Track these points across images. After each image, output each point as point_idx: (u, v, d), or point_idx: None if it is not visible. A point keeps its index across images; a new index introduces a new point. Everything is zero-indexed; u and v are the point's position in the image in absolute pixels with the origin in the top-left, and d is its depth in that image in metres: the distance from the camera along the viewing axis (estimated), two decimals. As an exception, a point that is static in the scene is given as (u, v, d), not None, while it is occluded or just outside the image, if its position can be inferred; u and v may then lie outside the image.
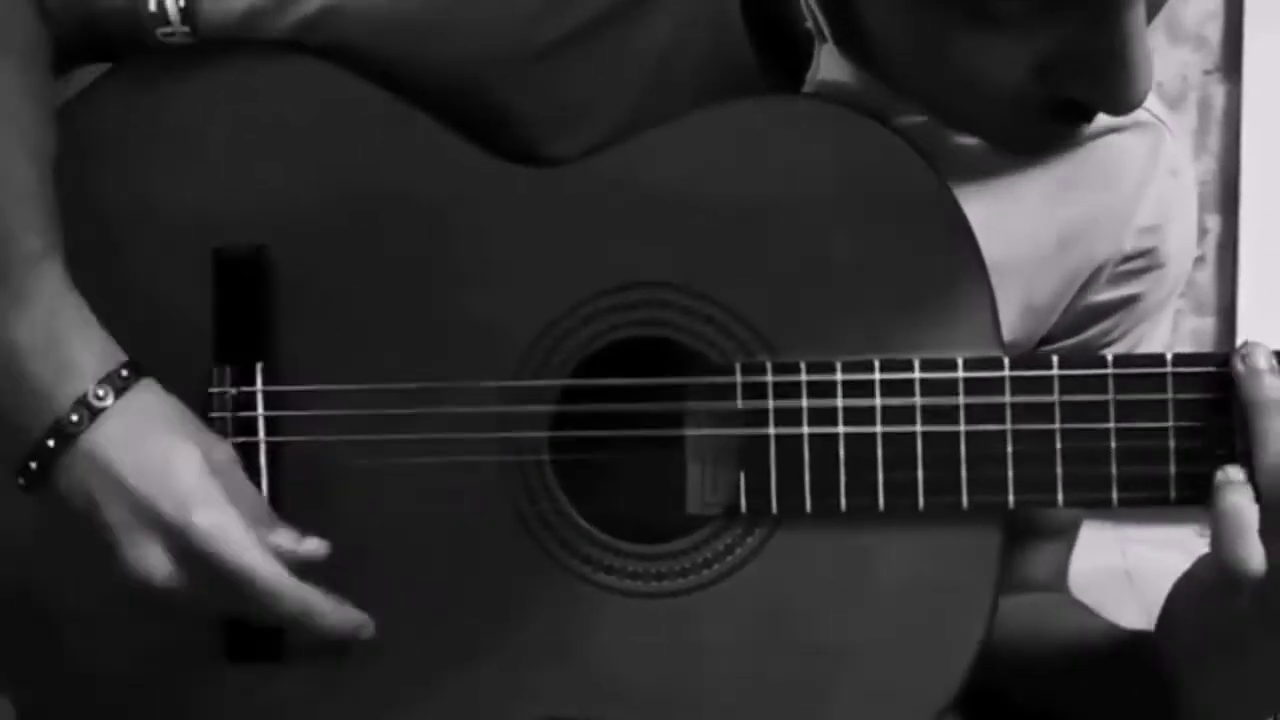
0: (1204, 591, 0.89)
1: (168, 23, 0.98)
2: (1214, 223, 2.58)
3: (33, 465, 0.91)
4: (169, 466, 0.91)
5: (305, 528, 0.94)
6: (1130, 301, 1.05)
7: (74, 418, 0.90)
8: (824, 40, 0.92)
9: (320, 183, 0.97)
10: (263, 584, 0.90)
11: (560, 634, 0.95)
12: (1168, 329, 1.09)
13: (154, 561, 0.90)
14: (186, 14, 0.97)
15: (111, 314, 0.95)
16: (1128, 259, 1.03)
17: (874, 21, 0.87)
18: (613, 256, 0.94)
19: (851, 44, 0.91)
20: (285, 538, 0.93)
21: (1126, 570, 2.09)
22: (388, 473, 0.96)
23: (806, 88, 0.95)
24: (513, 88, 0.97)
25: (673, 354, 0.95)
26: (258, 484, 0.97)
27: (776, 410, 0.92)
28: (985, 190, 0.98)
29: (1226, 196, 2.60)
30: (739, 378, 0.92)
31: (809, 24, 0.93)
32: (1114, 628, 1.03)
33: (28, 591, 1.01)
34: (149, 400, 0.93)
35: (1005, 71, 0.83)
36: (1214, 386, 0.89)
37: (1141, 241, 1.03)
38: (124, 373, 0.92)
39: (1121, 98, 0.83)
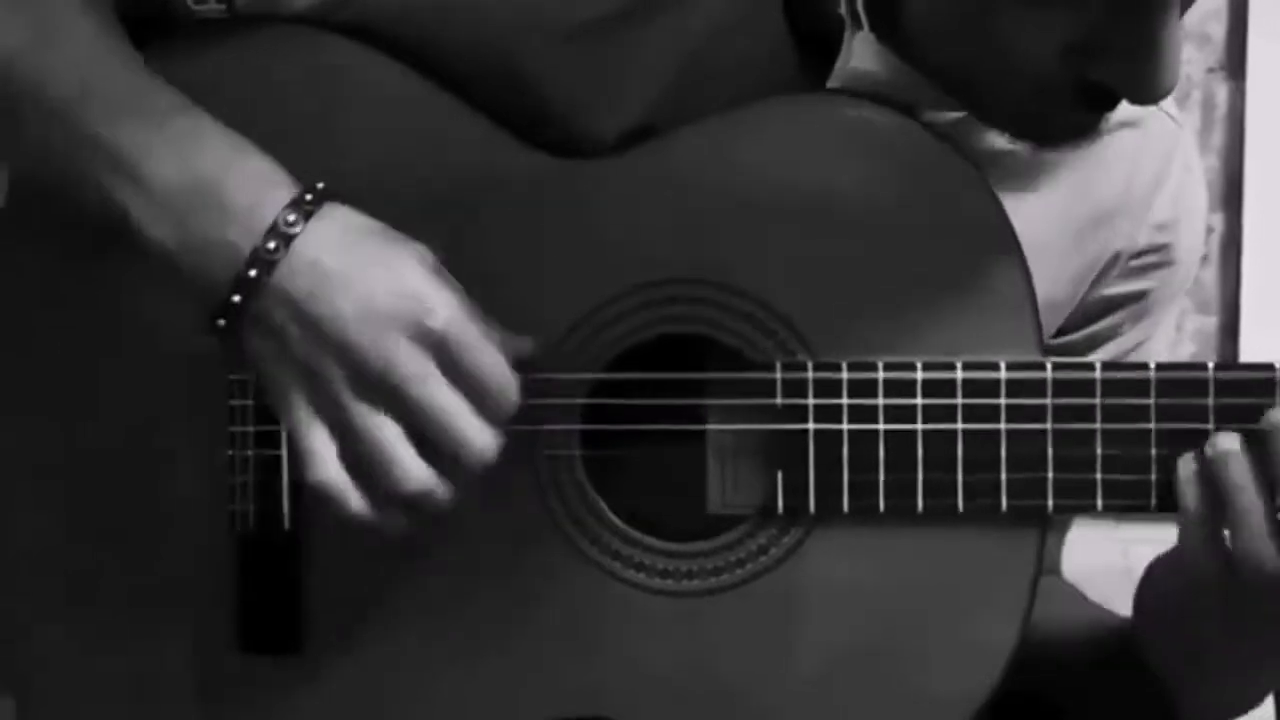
0: (1173, 589, 0.92)
1: None
2: (1217, 221, 2.58)
3: (252, 273, 0.86)
4: (394, 264, 0.87)
5: (330, 524, 0.91)
6: (1139, 297, 1.05)
7: (290, 217, 0.86)
8: (859, 27, 0.92)
9: (345, 168, 0.95)
10: (498, 376, 0.87)
11: (589, 631, 0.95)
12: (1171, 326, 1.10)
13: (402, 352, 0.85)
14: None
15: (129, 298, 0.94)
16: (1141, 254, 1.04)
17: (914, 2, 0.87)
18: (650, 251, 0.93)
19: (889, 28, 0.91)
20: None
21: (1128, 569, 2.08)
22: None
23: (834, 77, 0.94)
24: (543, 69, 0.96)
25: (709, 351, 0.94)
26: (278, 475, 0.96)
27: (815, 409, 0.91)
28: (1006, 187, 0.97)
29: (1230, 195, 2.61)
30: (779, 375, 0.92)
31: (843, 10, 0.92)
32: (1108, 618, 1.03)
33: (31, 585, 0.99)
34: (347, 215, 0.88)
35: (1037, 50, 0.84)
36: (1257, 393, 0.88)
37: (1156, 237, 1.04)
38: (309, 197, 0.87)
39: (1147, 86, 0.84)
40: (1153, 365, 0.90)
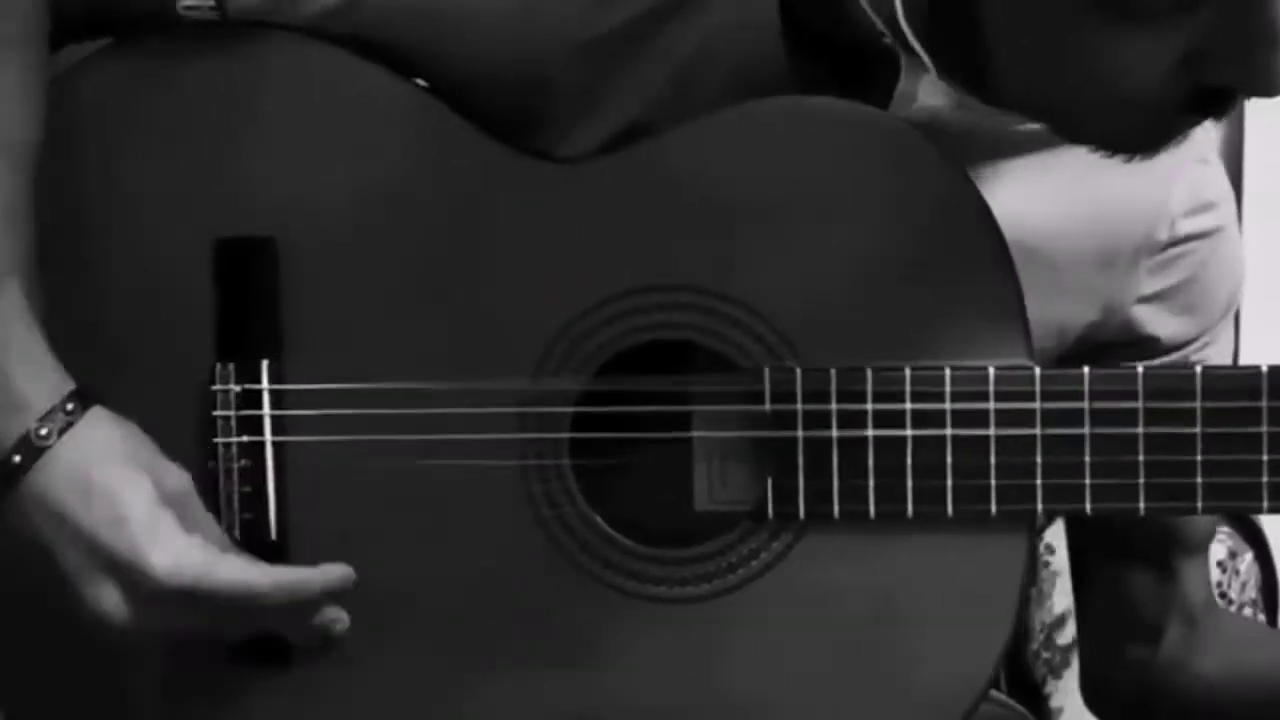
0: None
1: None
2: (1217, 218, 2.58)
3: (16, 459, 0.88)
4: (118, 504, 0.88)
5: (314, 533, 0.94)
6: (1174, 292, 1.05)
7: (16, 459, 0.87)
8: (920, 65, 0.91)
9: (332, 172, 0.96)
10: (243, 590, 0.89)
11: (582, 639, 0.95)
12: (1230, 335, 1.11)
13: (111, 604, 0.88)
14: None
15: (105, 306, 0.94)
16: (1165, 248, 1.04)
17: (1002, 40, 0.85)
18: (636, 256, 0.93)
19: (960, 68, 0.90)
20: None
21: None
22: (402, 475, 0.95)
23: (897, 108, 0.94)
24: (536, 84, 0.96)
25: (696, 357, 0.94)
26: (263, 486, 0.96)
27: (804, 415, 0.91)
28: (1014, 173, 0.98)
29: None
30: (767, 382, 0.92)
31: (890, 42, 0.91)
32: None
33: (19, 597, 0.97)
34: (95, 435, 0.89)
35: (1150, 68, 0.82)
36: (1243, 395, 0.89)
37: (1178, 229, 1.04)
38: (69, 406, 0.88)
39: (1273, 78, 0.82)
40: (1140, 369, 0.90)
